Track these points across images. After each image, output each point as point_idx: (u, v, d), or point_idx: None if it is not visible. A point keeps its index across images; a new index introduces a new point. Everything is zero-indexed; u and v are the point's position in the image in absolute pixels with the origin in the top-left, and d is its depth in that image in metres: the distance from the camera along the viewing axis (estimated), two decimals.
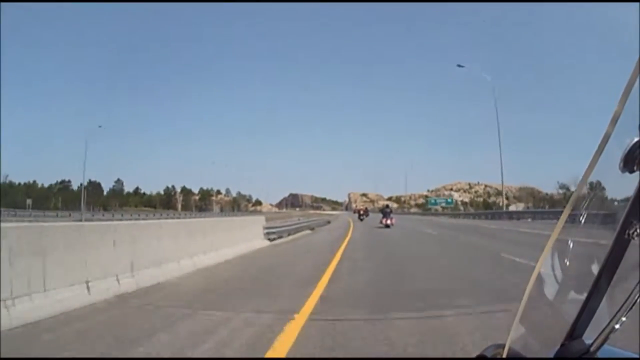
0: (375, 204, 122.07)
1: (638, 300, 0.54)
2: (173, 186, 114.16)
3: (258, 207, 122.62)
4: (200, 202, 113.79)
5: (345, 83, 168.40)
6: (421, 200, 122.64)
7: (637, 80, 0.51)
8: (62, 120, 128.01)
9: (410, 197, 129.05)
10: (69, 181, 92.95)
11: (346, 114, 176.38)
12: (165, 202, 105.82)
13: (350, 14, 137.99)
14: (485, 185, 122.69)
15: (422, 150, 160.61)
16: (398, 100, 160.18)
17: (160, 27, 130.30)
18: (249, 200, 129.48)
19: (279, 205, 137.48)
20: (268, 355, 2.58)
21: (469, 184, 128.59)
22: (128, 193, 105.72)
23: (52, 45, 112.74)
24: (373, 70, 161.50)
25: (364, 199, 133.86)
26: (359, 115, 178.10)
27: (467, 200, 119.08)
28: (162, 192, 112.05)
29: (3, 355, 2.30)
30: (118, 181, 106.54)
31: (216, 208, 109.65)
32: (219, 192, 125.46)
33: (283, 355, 2.58)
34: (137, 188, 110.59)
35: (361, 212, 33.65)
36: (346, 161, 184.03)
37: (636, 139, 0.50)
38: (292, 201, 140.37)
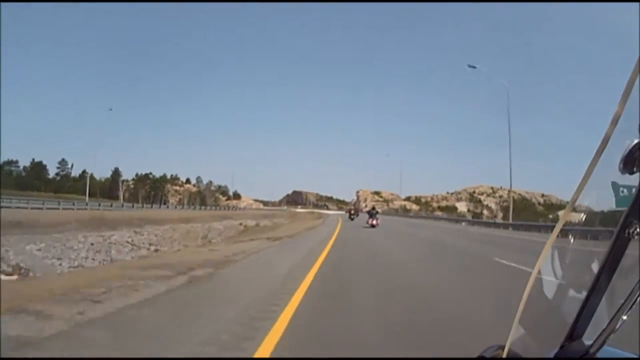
0: (390, 205, 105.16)
1: (638, 300, 0.54)
2: (117, 169, 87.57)
3: (234, 202, 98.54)
4: (151, 191, 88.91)
5: (361, 81, 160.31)
6: (445, 203, 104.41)
7: (637, 80, 0.51)
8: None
9: (432, 198, 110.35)
10: (17, 162, 75.21)
11: (359, 112, 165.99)
12: (108, 190, 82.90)
13: (359, 13, 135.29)
14: (509, 191, 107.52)
15: (442, 150, 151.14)
16: (416, 100, 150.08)
17: (153, 21, 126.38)
18: (224, 192, 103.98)
19: (281, 202, 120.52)
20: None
21: (492, 188, 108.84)
22: (75, 177, 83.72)
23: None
24: (390, 70, 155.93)
25: (376, 198, 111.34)
26: (371, 114, 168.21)
27: (492, 205, 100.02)
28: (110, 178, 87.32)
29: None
30: (63, 162, 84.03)
31: (173, 200, 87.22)
32: (188, 181, 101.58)
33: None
34: (84, 171, 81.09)
35: (352, 212, 34.85)
36: (358, 159, 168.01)
37: (636, 141, 0.51)
38: (295, 198, 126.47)
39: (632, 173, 0.52)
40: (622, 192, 0.57)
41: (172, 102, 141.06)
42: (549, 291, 0.71)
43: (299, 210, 77.23)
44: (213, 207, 65.76)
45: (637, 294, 0.54)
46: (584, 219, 0.65)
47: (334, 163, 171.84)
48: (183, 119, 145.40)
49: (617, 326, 0.56)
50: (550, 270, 0.70)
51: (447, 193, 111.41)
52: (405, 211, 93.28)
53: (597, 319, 0.61)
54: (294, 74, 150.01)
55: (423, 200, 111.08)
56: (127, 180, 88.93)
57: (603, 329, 0.57)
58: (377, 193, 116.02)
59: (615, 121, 0.55)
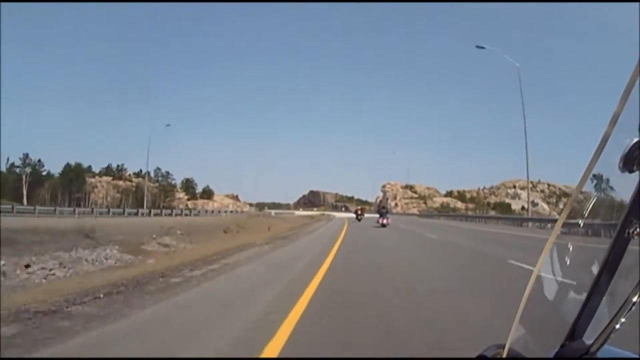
0: (429, 202, 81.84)
1: (638, 301, 0.54)
2: (27, 156, 61.86)
3: (199, 202, 72.12)
4: (63, 188, 61.87)
5: (393, 71, 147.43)
6: (494, 199, 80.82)
7: (637, 80, 0.51)
8: None
9: (477, 193, 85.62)
10: None
11: (384, 105, 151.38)
12: (14, 188, 59.23)
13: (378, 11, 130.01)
14: (549, 185, 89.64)
15: (474, 142, 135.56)
16: (447, 91, 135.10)
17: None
18: (190, 187, 75.66)
19: (297, 204, 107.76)
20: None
21: (532, 182, 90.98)
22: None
23: None
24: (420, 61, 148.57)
25: (409, 193, 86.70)
26: (396, 103, 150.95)
27: (538, 201, 78.84)
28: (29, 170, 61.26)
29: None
30: None
31: (95, 197, 64.16)
32: (140, 174, 68.69)
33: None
34: (12, 165, 61.99)
35: (359, 212, 34.08)
36: (383, 153, 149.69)
37: (636, 139, 0.51)
38: (312, 199, 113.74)
39: (631, 172, 0.52)
40: (622, 191, 0.57)
41: (169, 98, 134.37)
42: (549, 291, 0.71)
43: (297, 213, 57.37)
44: (147, 212, 40.61)
45: (637, 294, 0.54)
46: (584, 218, 0.65)
47: (356, 160, 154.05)
48: (178, 114, 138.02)
49: (618, 326, 0.56)
50: (550, 269, 0.70)
51: (484, 187, 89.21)
52: (451, 210, 67.96)
53: (597, 319, 0.61)
54: (308, 69, 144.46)
55: (468, 195, 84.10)
56: (51, 175, 63.47)
57: (603, 328, 0.57)
58: (409, 187, 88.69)
59: (614, 120, 0.55)
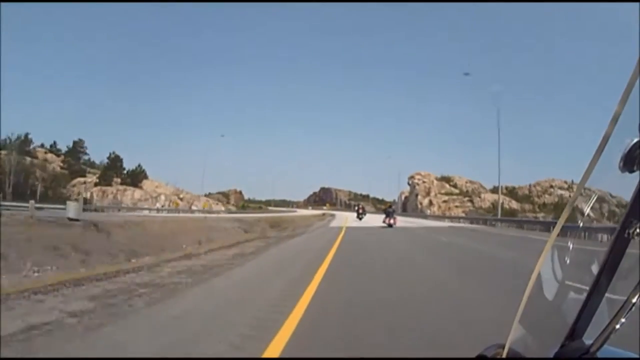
0: (476, 200, 58.60)
1: (638, 301, 0.54)
2: None
3: (111, 189, 46.46)
4: None
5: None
6: (547, 199, 58.19)
7: (637, 80, 0.51)
8: None
9: (529, 191, 62.06)
10: None
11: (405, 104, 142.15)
12: None
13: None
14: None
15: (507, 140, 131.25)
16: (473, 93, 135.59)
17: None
18: (115, 168, 50.70)
19: (307, 201, 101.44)
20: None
21: (565, 182, 74.04)
22: None
23: None
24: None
25: (446, 187, 63.74)
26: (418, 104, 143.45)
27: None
28: None
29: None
30: None
31: None
32: (55, 149, 52.98)
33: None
34: None
35: (360, 211, 33.63)
36: (409, 146, 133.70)
37: (636, 139, 0.51)
38: (323, 197, 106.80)
39: (632, 172, 0.52)
40: (622, 191, 0.57)
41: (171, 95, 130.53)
42: (549, 291, 0.71)
43: (293, 212, 44.02)
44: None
45: (637, 294, 0.54)
46: (584, 218, 0.65)
47: (374, 156, 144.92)
48: (183, 111, 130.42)
49: (618, 326, 0.56)
50: (550, 269, 0.70)
51: (534, 184, 66.75)
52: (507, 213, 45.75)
53: (597, 319, 0.61)
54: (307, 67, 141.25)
55: (520, 193, 62.17)
56: None
57: (603, 328, 0.58)
58: (446, 179, 66.35)
59: (615, 120, 0.55)
